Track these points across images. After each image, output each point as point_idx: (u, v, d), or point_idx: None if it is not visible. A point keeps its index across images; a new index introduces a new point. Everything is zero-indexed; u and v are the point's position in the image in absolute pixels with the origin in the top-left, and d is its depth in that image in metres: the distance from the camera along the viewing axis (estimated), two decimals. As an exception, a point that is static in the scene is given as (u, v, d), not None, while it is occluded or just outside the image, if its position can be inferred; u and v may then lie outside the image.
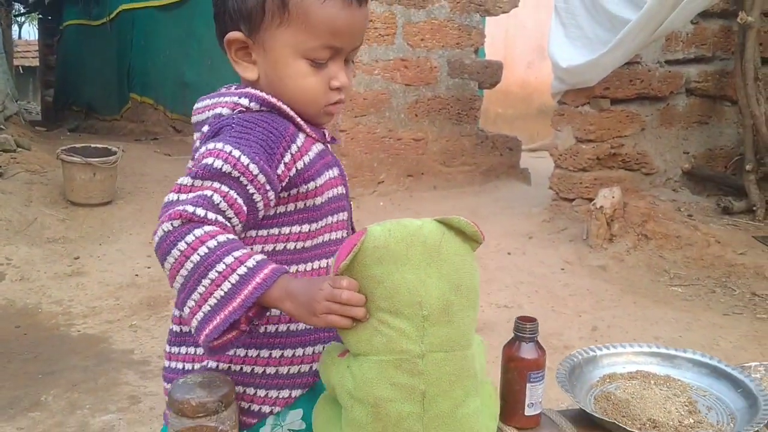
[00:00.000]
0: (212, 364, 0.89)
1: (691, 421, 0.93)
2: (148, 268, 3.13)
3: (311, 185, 0.88)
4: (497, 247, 3.39)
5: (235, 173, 0.80)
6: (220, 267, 0.76)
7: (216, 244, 0.76)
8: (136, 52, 6.88)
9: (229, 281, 0.76)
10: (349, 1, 0.87)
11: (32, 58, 13.95)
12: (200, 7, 5.22)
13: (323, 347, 0.89)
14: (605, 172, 3.73)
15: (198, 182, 0.81)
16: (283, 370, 0.89)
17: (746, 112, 3.58)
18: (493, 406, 0.89)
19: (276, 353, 0.88)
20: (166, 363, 0.94)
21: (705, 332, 2.52)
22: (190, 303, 0.78)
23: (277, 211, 0.88)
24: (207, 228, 0.77)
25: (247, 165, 0.80)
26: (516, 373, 0.91)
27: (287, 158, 0.85)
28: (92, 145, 4.02)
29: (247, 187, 0.81)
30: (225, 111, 0.87)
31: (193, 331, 0.79)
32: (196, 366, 0.91)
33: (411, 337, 0.77)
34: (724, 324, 2.60)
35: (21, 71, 13.77)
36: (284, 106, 0.88)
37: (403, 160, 4.26)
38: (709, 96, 3.92)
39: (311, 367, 0.90)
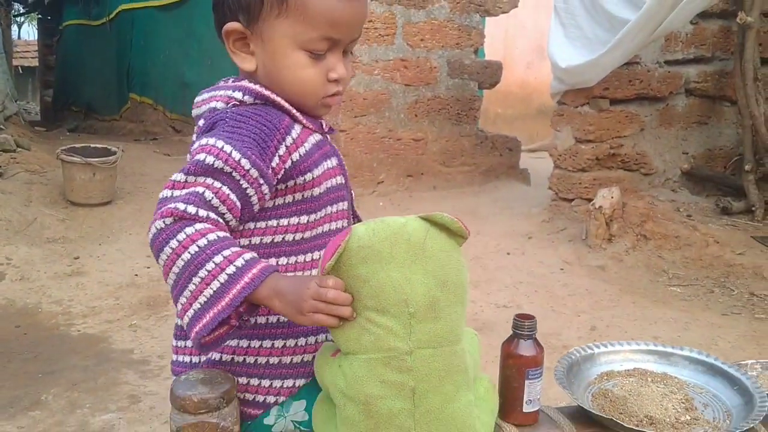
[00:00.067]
0: (216, 356, 0.90)
1: (688, 417, 0.94)
2: (148, 268, 3.13)
3: (308, 176, 0.88)
4: (497, 247, 3.40)
5: (227, 168, 0.81)
6: (210, 266, 0.77)
7: (206, 242, 0.78)
8: (135, 52, 6.89)
9: (218, 280, 0.77)
10: None
11: (31, 58, 13.94)
12: (200, 7, 5.23)
13: (325, 336, 0.91)
14: (604, 173, 3.74)
15: (191, 178, 0.82)
16: (286, 359, 0.90)
17: (745, 113, 3.59)
18: (490, 401, 0.90)
19: (278, 343, 0.89)
20: (174, 357, 0.95)
21: (703, 332, 2.52)
22: (182, 300, 0.80)
23: (275, 203, 0.88)
24: (198, 226, 0.79)
25: (239, 160, 0.81)
26: (514, 370, 0.92)
27: (282, 151, 0.86)
28: (92, 145, 4.02)
29: (240, 182, 0.82)
30: (219, 105, 0.88)
31: (185, 327, 0.81)
32: (203, 358, 0.92)
33: (398, 335, 0.78)
34: (722, 324, 2.60)
35: (20, 71, 13.77)
36: (278, 99, 0.89)
37: (402, 160, 4.26)
38: (709, 96, 3.93)
39: (314, 356, 0.90)
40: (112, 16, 7.29)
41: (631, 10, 3.24)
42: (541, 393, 0.93)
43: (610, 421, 0.91)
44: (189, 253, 0.78)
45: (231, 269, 0.78)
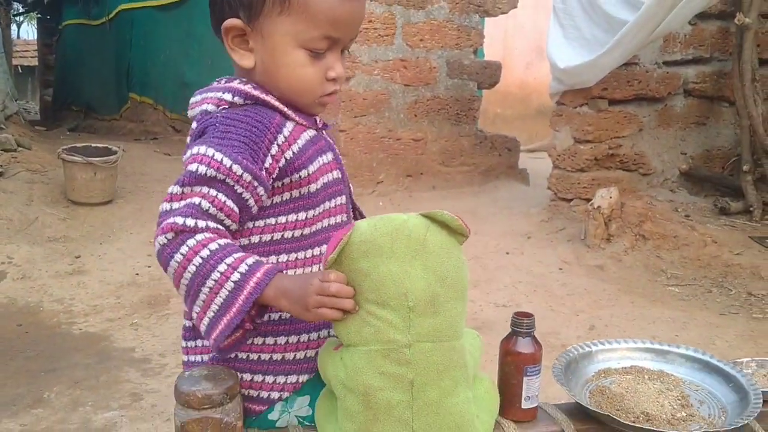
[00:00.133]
0: None
1: (684, 414, 0.94)
2: (149, 267, 3.14)
3: (303, 173, 0.88)
4: (496, 246, 3.41)
5: (220, 176, 0.82)
6: (215, 275, 0.80)
7: (209, 252, 0.80)
8: (135, 52, 6.89)
9: (225, 288, 0.80)
10: None
11: (31, 57, 13.94)
12: (199, 7, 5.24)
13: (328, 332, 0.92)
14: (603, 173, 3.75)
15: (187, 189, 0.83)
16: (289, 355, 0.90)
17: (743, 113, 3.60)
18: (491, 401, 0.91)
19: (281, 340, 0.90)
20: (185, 358, 0.96)
21: (701, 331, 2.53)
22: (196, 309, 0.83)
23: (273, 201, 0.89)
24: (199, 236, 0.80)
25: (230, 166, 0.82)
26: (513, 367, 0.92)
27: (274, 150, 0.86)
28: (93, 145, 4.03)
29: (235, 188, 0.83)
30: (210, 107, 0.88)
31: (203, 335, 0.84)
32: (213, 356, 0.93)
33: (398, 328, 0.79)
34: (720, 323, 2.62)
35: (20, 71, 13.76)
36: (268, 98, 0.89)
37: (402, 160, 4.28)
38: (707, 97, 3.95)
39: (317, 352, 0.91)
40: (111, 15, 7.29)
41: (630, 11, 3.26)
42: (540, 391, 0.94)
43: (607, 417, 0.91)
44: (194, 265, 0.80)
45: (236, 276, 0.80)
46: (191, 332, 0.94)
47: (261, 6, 0.87)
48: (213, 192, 0.82)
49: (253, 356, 0.90)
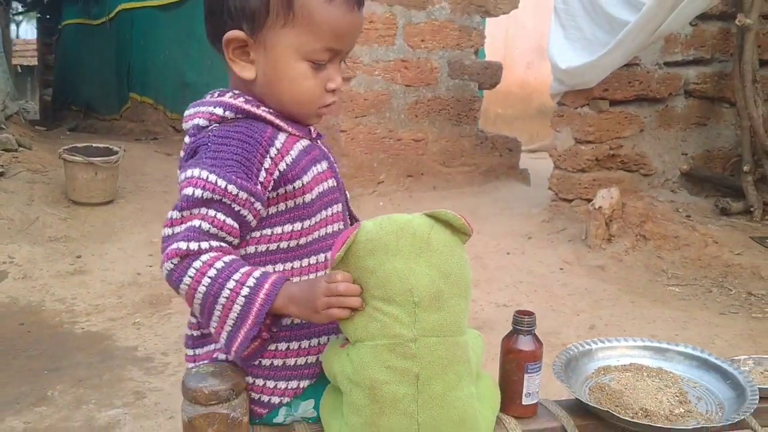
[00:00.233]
0: (221, 356, 0.93)
1: (682, 410, 0.96)
2: (150, 266, 3.15)
3: (297, 183, 0.89)
4: (497, 247, 3.42)
5: (216, 197, 0.83)
6: (225, 293, 0.82)
7: (216, 272, 0.82)
8: (135, 52, 6.89)
9: (237, 304, 0.82)
10: (351, 5, 0.89)
11: (30, 57, 13.94)
12: (200, 7, 5.21)
13: (328, 339, 0.93)
14: (604, 173, 3.76)
15: (186, 213, 0.84)
16: (290, 361, 0.91)
17: (744, 114, 3.61)
18: (492, 399, 0.92)
19: (282, 346, 0.91)
20: (190, 365, 0.96)
21: (701, 331, 2.54)
22: (213, 325, 0.85)
23: (269, 212, 0.89)
24: (204, 257, 0.82)
25: (225, 187, 0.83)
26: (514, 364, 0.94)
27: (267, 163, 0.87)
28: (94, 145, 4.04)
29: (232, 206, 0.84)
30: (202, 122, 0.89)
31: (223, 347, 0.86)
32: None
33: (403, 323, 0.81)
34: (720, 323, 2.63)
35: (19, 70, 13.77)
36: (259, 111, 0.89)
37: (403, 160, 4.29)
38: (708, 98, 3.95)
39: (317, 358, 0.92)
40: (111, 15, 7.29)
41: (631, 11, 3.27)
42: (541, 388, 0.96)
43: (606, 413, 0.93)
44: (203, 285, 0.82)
45: (245, 291, 0.82)
46: (196, 340, 0.95)
47: (265, 18, 0.87)
48: (212, 212, 0.84)
49: (254, 361, 0.91)
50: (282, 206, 0.90)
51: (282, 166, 0.88)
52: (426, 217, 0.85)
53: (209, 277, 0.82)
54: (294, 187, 0.89)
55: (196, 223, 0.83)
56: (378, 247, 0.82)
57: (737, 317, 2.69)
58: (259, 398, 0.91)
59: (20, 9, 11.28)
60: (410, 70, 4.21)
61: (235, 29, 0.88)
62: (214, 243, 0.83)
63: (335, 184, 0.97)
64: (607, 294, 2.93)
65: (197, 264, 0.82)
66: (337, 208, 0.97)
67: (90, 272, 3.13)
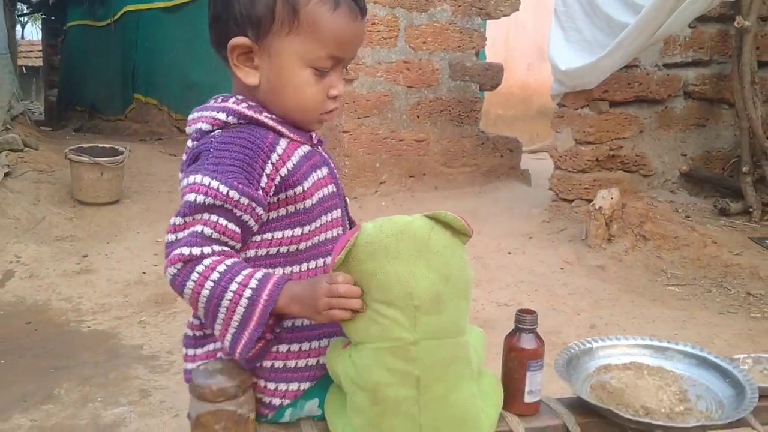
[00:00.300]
0: (223, 357, 0.94)
1: (682, 408, 0.97)
2: (155, 266, 3.17)
3: (298, 189, 0.90)
4: (498, 246, 3.44)
5: (218, 203, 0.84)
6: (229, 295, 0.83)
7: (218, 275, 0.83)
8: (140, 53, 6.90)
9: (240, 306, 0.83)
10: (355, 14, 0.90)
11: (35, 58, 13.98)
12: (205, 8, 5.25)
13: (328, 341, 0.94)
14: (604, 174, 3.78)
15: (188, 218, 0.85)
16: (291, 363, 0.92)
17: (743, 115, 3.62)
18: (495, 396, 0.93)
19: (283, 348, 0.92)
20: (187, 366, 0.98)
21: (700, 330, 2.56)
22: (217, 327, 0.86)
23: (269, 217, 0.90)
24: (206, 261, 0.83)
25: (227, 193, 0.84)
26: (516, 362, 0.95)
27: (269, 169, 0.88)
28: (99, 145, 4.06)
29: (234, 211, 0.85)
30: (205, 126, 0.90)
31: (227, 350, 0.87)
32: None
33: (404, 326, 0.81)
34: (719, 323, 2.64)
35: (24, 71, 13.80)
36: (262, 117, 0.90)
37: (404, 160, 4.30)
38: (707, 99, 3.97)
39: (318, 361, 0.93)
40: (117, 17, 7.30)
41: (631, 14, 3.28)
42: (543, 386, 0.97)
43: (607, 411, 0.94)
44: (207, 289, 0.83)
45: (248, 293, 0.83)
46: (196, 340, 0.96)
47: (270, 25, 0.88)
48: (214, 217, 0.85)
49: (258, 363, 0.92)
50: (282, 211, 0.90)
51: (283, 171, 0.88)
52: (426, 219, 0.85)
53: (212, 281, 0.82)
54: (295, 193, 0.90)
55: (199, 228, 0.84)
56: (378, 250, 0.82)
57: (736, 317, 2.70)
58: (261, 399, 0.92)
59: (25, 10, 11.30)
60: (412, 72, 4.22)
61: (240, 35, 0.89)
62: (217, 247, 0.84)
63: (335, 189, 0.97)
64: (607, 293, 2.94)
65: (200, 268, 0.83)
66: (337, 213, 0.97)
67: (96, 271, 3.15)
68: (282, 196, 0.89)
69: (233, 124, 0.89)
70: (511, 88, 6.97)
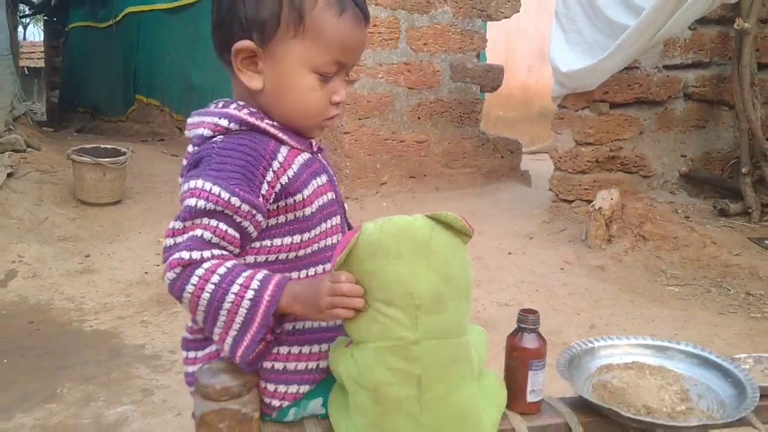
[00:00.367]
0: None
1: (683, 408, 0.97)
2: (157, 265, 3.17)
3: (298, 197, 0.89)
4: (498, 247, 3.45)
5: (219, 208, 0.84)
6: (230, 297, 0.82)
7: (219, 278, 0.82)
8: (142, 55, 6.92)
9: (242, 308, 0.83)
10: (360, 21, 0.91)
11: (37, 59, 13.99)
12: (207, 10, 5.25)
13: (328, 345, 0.94)
14: (604, 175, 3.79)
15: (188, 223, 0.85)
16: (291, 366, 0.92)
17: (742, 117, 3.64)
18: (498, 396, 0.94)
19: (283, 350, 0.92)
20: (187, 368, 0.98)
21: (700, 330, 2.56)
22: (217, 331, 0.85)
23: (269, 224, 0.90)
24: (206, 265, 0.83)
25: (228, 199, 0.83)
26: (519, 362, 0.96)
27: (269, 177, 0.87)
28: (102, 146, 4.07)
29: (234, 218, 0.85)
30: (206, 132, 0.89)
31: (227, 353, 0.86)
32: None
33: (405, 325, 0.82)
34: (719, 323, 2.65)
35: (26, 72, 13.80)
36: (263, 124, 0.89)
37: (405, 161, 4.31)
38: (707, 100, 3.98)
39: (318, 365, 0.93)
40: (118, 18, 7.32)
41: (631, 16, 3.29)
42: (545, 386, 0.97)
43: (609, 410, 0.94)
44: (207, 292, 0.82)
45: (250, 294, 0.82)
46: (194, 343, 0.96)
47: (275, 29, 0.88)
48: (214, 222, 0.84)
49: (258, 365, 0.91)
50: (282, 218, 0.90)
51: (284, 179, 0.88)
52: (427, 219, 0.85)
53: (213, 284, 0.82)
54: (295, 201, 0.89)
55: (198, 232, 0.84)
56: (379, 250, 0.82)
57: (736, 317, 2.71)
58: (261, 399, 0.92)
59: (27, 11, 11.31)
60: (413, 73, 4.23)
61: (244, 39, 0.89)
62: (216, 251, 0.84)
63: (334, 196, 0.97)
64: (607, 294, 2.95)
65: (200, 272, 0.82)
66: (336, 220, 0.97)
67: (98, 271, 3.15)
68: (282, 203, 0.89)
69: (235, 130, 0.89)
70: (511, 90, 6.99)
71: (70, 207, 3.81)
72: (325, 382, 0.94)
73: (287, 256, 0.91)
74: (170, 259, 0.83)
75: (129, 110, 7.28)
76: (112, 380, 2.19)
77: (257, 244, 0.90)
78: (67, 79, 9.39)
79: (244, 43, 0.89)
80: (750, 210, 3.59)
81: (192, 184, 0.85)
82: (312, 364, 0.93)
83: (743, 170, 3.65)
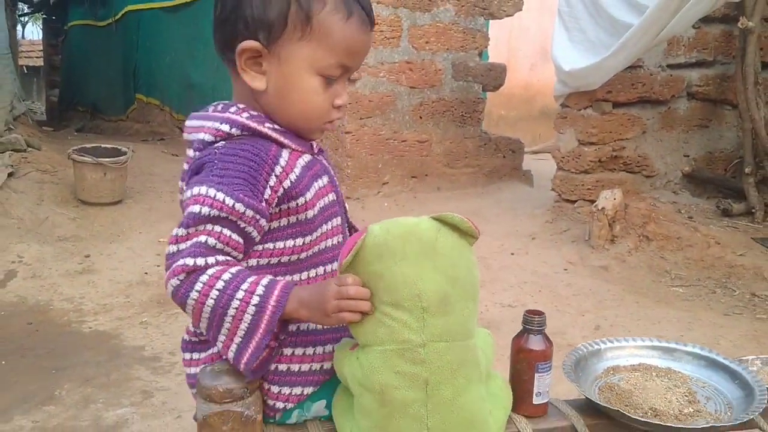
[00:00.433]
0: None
1: (691, 410, 0.97)
2: (158, 266, 3.16)
3: (301, 200, 0.89)
4: (501, 247, 3.44)
5: (223, 214, 0.83)
6: (235, 303, 0.82)
7: (223, 284, 0.82)
8: (142, 53, 6.92)
9: (248, 314, 0.82)
10: (366, 25, 0.90)
11: (36, 57, 14.00)
12: (207, 9, 5.25)
13: (332, 347, 0.93)
14: (607, 174, 3.77)
15: (191, 230, 0.84)
16: (295, 367, 0.92)
17: (746, 116, 3.63)
18: (504, 398, 0.93)
19: (287, 351, 0.91)
20: (188, 370, 0.97)
21: (706, 331, 2.55)
22: (221, 338, 0.84)
23: (271, 227, 0.89)
24: (210, 271, 0.82)
25: (232, 205, 0.83)
26: (525, 364, 0.95)
27: (272, 181, 0.87)
28: (102, 146, 4.07)
29: (238, 223, 0.84)
30: (207, 137, 0.88)
31: (231, 361, 0.85)
32: None
33: (412, 328, 0.81)
34: (724, 324, 2.64)
35: (25, 71, 13.83)
36: (264, 129, 0.89)
37: (407, 161, 4.30)
38: (710, 100, 3.97)
39: (322, 366, 0.93)
40: (118, 17, 7.32)
41: (635, 14, 3.28)
42: (551, 388, 0.97)
43: (616, 413, 0.93)
44: (212, 298, 0.82)
45: (255, 299, 0.82)
46: (195, 345, 0.96)
47: (282, 30, 0.87)
48: (218, 228, 0.84)
49: (262, 373, 0.91)
50: (284, 221, 0.90)
51: (286, 183, 0.88)
52: (433, 221, 0.85)
53: (217, 290, 0.81)
54: (297, 204, 0.89)
55: (202, 238, 0.83)
56: (385, 252, 0.82)
57: (741, 318, 2.70)
58: (264, 401, 0.92)
59: (26, 10, 11.32)
60: (415, 72, 4.22)
61: (249, 39, 0.88)
62: (220, 257, 0.84)
63: (335, 197, 0.97)
64: (611, 294, 2.94)
65: (204, 278, 0.82)
66: (337, 221, 0.97)
67: (98, 272, 3.15)
68: (284, 206, 0.89)
69: (236, 135, 0.88)
70: (513, 89, 6.98)
71: (70, 207, 3.80)
72: (329, 383, 0.93)
73: (289, 259, 0.91)
74: (174, 265, 0.83)
75: (129, 109, 7.28)
76: (111, 382, 2.18)
77: (260, 247, 0.90)
78: (67, 78, 9.40)
79: (250, 43, 0.88)
80: (753, 210, 3.58)
81: (195, 190, 0.84)
82: (316, 366, 0.93)
83: (746, 170, 3.64)
